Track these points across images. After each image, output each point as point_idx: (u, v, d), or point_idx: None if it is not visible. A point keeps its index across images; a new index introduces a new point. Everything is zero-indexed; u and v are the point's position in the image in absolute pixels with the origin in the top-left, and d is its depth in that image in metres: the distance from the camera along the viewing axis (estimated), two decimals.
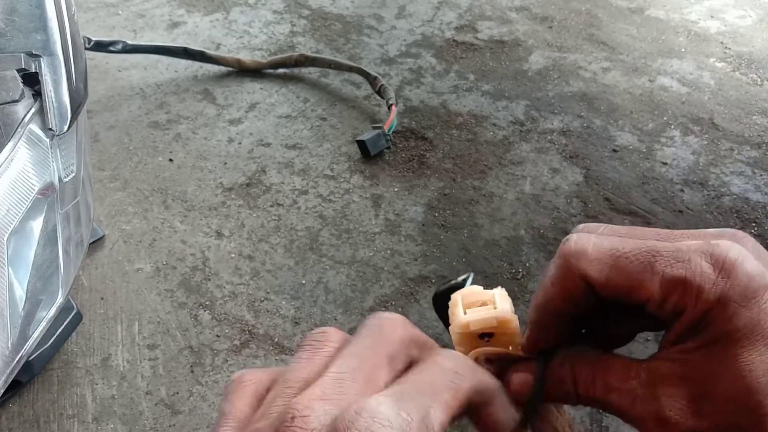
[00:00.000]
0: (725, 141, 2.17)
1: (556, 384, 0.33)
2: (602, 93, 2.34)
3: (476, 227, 1.79)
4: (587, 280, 0.30)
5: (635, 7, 2.87)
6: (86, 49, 2.05)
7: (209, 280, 1.60)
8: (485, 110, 2.22)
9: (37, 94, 0.99)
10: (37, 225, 0.96)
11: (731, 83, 2.43)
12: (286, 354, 1.46)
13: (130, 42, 2.20)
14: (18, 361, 0.94)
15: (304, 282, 1.61)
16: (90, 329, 1.47)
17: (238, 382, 0.27)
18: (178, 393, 1.37)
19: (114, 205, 1.76)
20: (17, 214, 0.92)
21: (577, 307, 0.31)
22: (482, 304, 0.35)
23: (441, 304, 0.38)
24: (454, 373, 0.27)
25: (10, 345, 0.92)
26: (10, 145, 0.92)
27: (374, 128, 1.98)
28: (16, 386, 1.31)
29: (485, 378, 0.29)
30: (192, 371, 1.41)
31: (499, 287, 0.36)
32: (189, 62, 2.25)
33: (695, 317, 0.28)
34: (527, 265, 1.70)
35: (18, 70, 0.97)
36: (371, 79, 2.16)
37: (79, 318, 1.39)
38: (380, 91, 2.12)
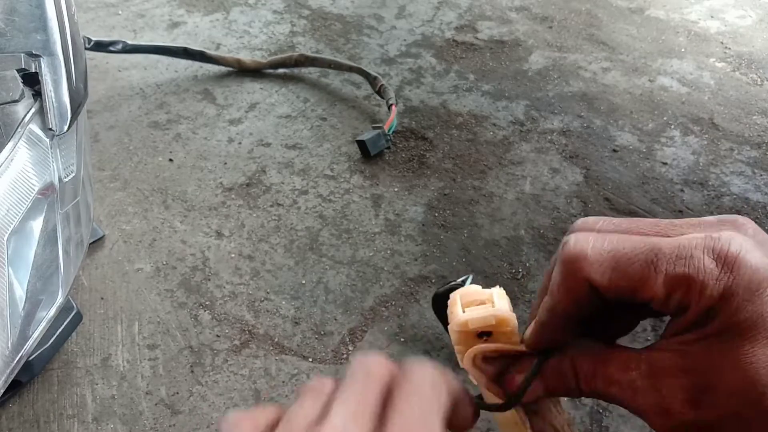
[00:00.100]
0: (725, 141, 2.17)
1: (558, 379, 0.33)
2: (602, 93, 2.34)
3: (476, 227, 1.79)
4: (591, 283, 0.30)
5: (635, 7, 2.87)
6: (86, 49, 2.05)
7: (209, 280, 1.60)
8: (485, 110, 2.22)
9: (37, 94, 0.99)
10: (37, 225, 0.96)
11: (731, 83, 2.43)
12: (285, 354, 1.46)
13: (130, 42, 2.20)
14: (18, 361, 0.94)
15: (304, 282, 1.61)
16: (90, 329, 1.47)
17: (234, 426, 0.27)
18: (178, 393, 1.37)
19: (114, 205, 1.76)
20: (17, 214, 0.92)
21: (583, 309, 0.31)
22: (480, 303, 0.36)
23: (440, 305, 0.38)
24: (432, 391, 0.28)
25: (10, 345, 0.92)
26: (10, 145, 0.92)
27: (374, 128, 1.98)
28: (16, 386, 1.31)
29: (452, 382, 0.30)
30: (192, 371, 1.41)
31: (497, 286, 0.36)
32: (189, 62, 2.25)
33: (700, 312, 0.28)
34: (527, 265, 1.70)
35: (18, 70, 0.97)
36: (371, 79, 2.16)
37: (79, 318, 1.39)
38: (380, 91, 2.12)
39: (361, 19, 2.64)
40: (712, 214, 1.90)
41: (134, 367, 1.41)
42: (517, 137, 2.11)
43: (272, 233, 1.73)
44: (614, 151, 2.09)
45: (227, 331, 1.49)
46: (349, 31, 2.57)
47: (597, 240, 0.30)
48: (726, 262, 0.27)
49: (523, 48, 2.55)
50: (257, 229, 1.73)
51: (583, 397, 0.33)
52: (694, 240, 0.28)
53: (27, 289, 0.94)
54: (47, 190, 0.97)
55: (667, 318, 0.30)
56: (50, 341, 1.29)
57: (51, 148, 0.98)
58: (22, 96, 0.95)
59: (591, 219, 0.33)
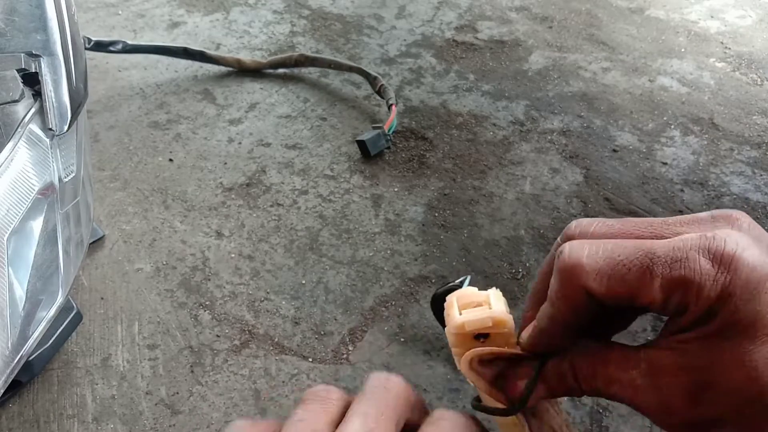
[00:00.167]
0: (725, 141, 2.17)
1: (558, 380, 0.33)
2: (602, 93, 2.34)
3: (476, 227, 1.79)
4: (589, 292, 0.30)
5: (635, 7, 2.87)
6: (86, 49, 2.05)
7: (209, 280, 1.60)
8: (485, 110, 2.22)
9: (37, 94, 0.99)
10: (37, 225, 0.96)
11: (731, 83, 2.43)
12: (285, 354, 1.46)
13: (130, 42, 2.20)
14: (18, 361, 0.94)
15: (304, 282, 1.61)
16: (90, 329, 1.47)
17: None
18: (178, 393, 1.37)
19: (114, 205, 1.76)
20: (17, 214, 0.92)
21: (581, 317, 0.31)
22: (477, 305, 0.36)
23: (439, 306, 0.38)
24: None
25: (10, 345, 0.92)
26: (10, 145, 0.92)
27: (374, 128, 1.98)
28: (16, 386, 1.31)
29: (472, 426, 0.30)
30: (192, 371, 1.41)
31: (494, 288, 0.36)
32: (189, 62, 2.25)
33: (699, 313, 0.28)
34: (527, 265, 1.70)
35: (18, 70, 0.97)
36: (371, 79, 2.16)
37: (79, 318, 1.39)
38: (380, 91, 2.12)
39: (361, 19, 2.64)
40: None
41: (134, 367, 1.41)
42: (517, 137, 2.11)
43: (272, 233, 1.73)
44: (614, 151, 2.09)
45: (227, 331, 1.49)
46: (349, 31, 2.57)
47: (592, 248, 0.30)
48: (722, 262, 0.27)
49: (523, 48, 2.55)
50: (257, 229, 1.73)
51: (583, 397, 0.33)
52: (688, 241, 0.28)
53: (27, 289, 0.94)
54: (47, 190, 0.97)
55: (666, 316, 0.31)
56: (50, 341, 1.29)
57: (51, 148, 0.98)
58: (22, 96, 0.95)
59: (585, 222, 0.32)
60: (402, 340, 1.50)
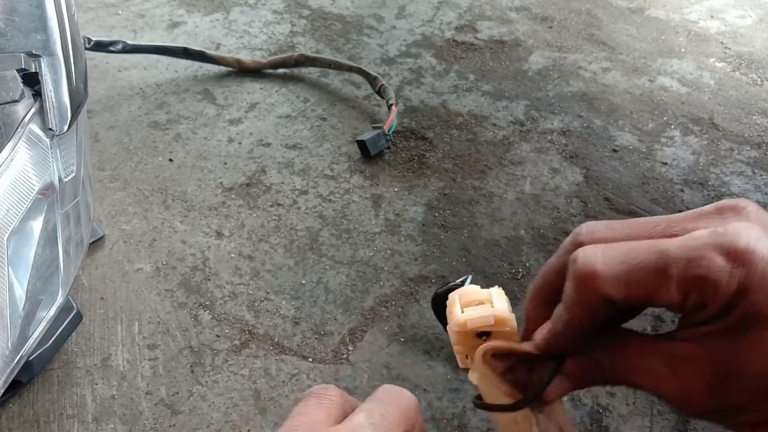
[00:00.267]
0: (725, 141, 2.17)
1: (582, 374, 0.34)
2: (602, 93, 2.34)
3: (476, 227, 1.79)
4: (606, 298, 0.30)
5: (635, 7, 2.87)
6: (86, 49, 2.05)
7: (209, 280, 1.60)
8: (485, 110, 2.22)
9: (37, 94, 0.99)
10: (37, 225, 0.96)
11: (731, 83, 2.43)
12: (285, 354, 1.46)
13: (130, 42, 2.20)
14: (18, 361, 0.94)
15: (304, 282, 1.61)
16: (90, 329, 1.47)
17: None
18: (178, 393, 1.37)
19: (114, 205, 1.76)
20: (17, 214, 0.92)
21: (598, 321, 0.32)
22: (479, 303, 0.36)
23: (440, 306, 0.38)
24: None
25: (10, 345, 0.92)
26: (10, 145, 0.92)
27: (374, 128, 1.98)
28: (16, 386, 1.31)
29: None
30: (192, 371, 1.41)
31: (496, 286, 0.36)
32: (189, 62, 2.25)
33: (717, 309, 0.28)
34: (527, 265, 1.70)
35: (18, 70, 0.97)
36: (371, 79, 2.16)
37: (79, 318, 1.39)
38: (380, 91, 2.12)
39: (361, 19, 2.64)
40: None
41: (134, 367, 1.41)
42: (517, 137, 2.11)
43: (272, 233, 1.73)
44: (614, 151, 2.09)
45: (227, 331, 1.49)
46: (349, 31, 2.57)
47: (606, 253, 0.30)
48: (737, 257, 0.27)
49: (523, 48, 2.55)
50: (257, 229, 1.73)
51: (583, 397, 0.33)
52: (700, 239, 0.28)
53: (27, 289, 0.94)
54: (47, 190, 0.97)
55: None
56: (50, 341, 1.29)
57: (51, 148, 0.98)
58: (22, 96, 0.95)
59: (593, 226, 0.32)
60: (402, 340, 1.50)
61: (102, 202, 1.76)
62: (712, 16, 2.83)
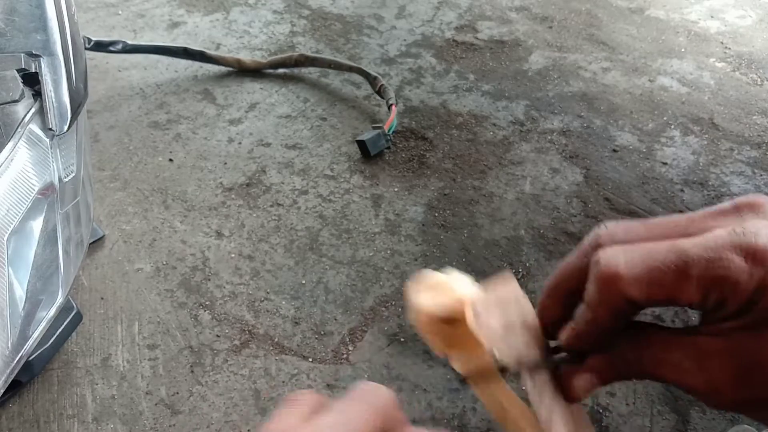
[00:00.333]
0: (725, 141, 2.17)
1: (608, 367, 0.34)
2: (602, 93, 2.34)
3: (476, 227, 1.79)
4: (629, 299, 0.30)
5: (635, 7, 2.87)
6: (86, 49, 2.05)
7: (209, 280, 1.60)
8: (485, 110, 2.22)
9: (37, 94, 0.99)
10: (37, 225, 0.96)
11: (731, 83, 2.43)
12: (285, 354, 1.46)
13: (130, 42, 2.20)
14: (18, 361, 0.94)
15: (304, 282, 1.61)
16: (90, 329, 1.47)
17: None
18: (178, 393, 1.37)
19: (114, 205, 1.76)
20: (17, 214, 0.92)
21: (620, 320, 0.32)
22: (441, 290, 0.36)
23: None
24: None
25: (10, 345, 0.92)
26: (10, 145, 0.92)
27: (374, 128, 1.98)
28: (16, 386, 1.31)
29: None
30: (192, 371, 1.41)
31: (455, 270, 0.36)
32: (189, 62, 2.25)
33: (737, 307, 0.29)
34: (527, 265, 1.70)
35: (18, 70, 0.97)
36: (371, 79, 2.16)
37: (79, 318, 1.39)
38: (380, 91, 2.12)
39: (361, 19, 2.64)
40: None
41: (134, 367, 1.41)
42: (517, 137, 2.11)
43: (272, 233, 1.73)
44: (614, 151, 2.09)
45: (227, 331, 1.49)
46: (349, 31, 2.57)
47: (628, 255, 0.30)
48: (756, 257, 0.28)
49: (523, 48, 2.55)
50: (257, 229, 1.73)
51: (586, 397, 0.34)
52: (720, 239, 0.29)
53: (27, 289, 0.94)
54: (47, 190, 0.97)
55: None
56: (50, 341, 1.29)
57: (51, 148, 0.98)
58: (22, 96, 0.95)
59: (613, 226, 0.33)
60: (402, 340, 1.50)
61: (102, 202, 1.76)
62: (712, 16, 2.83)
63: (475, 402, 1.39)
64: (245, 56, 2.32)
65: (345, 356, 1.47)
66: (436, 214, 1.82)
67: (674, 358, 0.31)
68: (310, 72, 2.30)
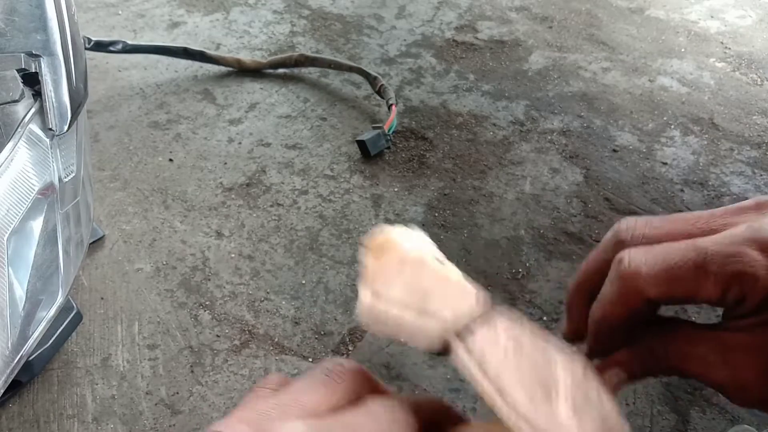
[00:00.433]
0: (725, 141, 2.17)
1: (636, 363, 0.34)
2: (602, 93, 2.34)
3: (476, 227, 1.79)
4: (648, 298, 0.31)
5: (635, 7, 2.87)
6: (86, 49, 2.05)
7: (209, 280, 1.60)
8: (485, 110, 2.22)
9: (37, 94, 0.99)
10: (37, 225, 0.96)
11: (731, 83, 2.43)
12: (285, 354, 1.46)
13: (130, 42, 2.20)
14: (18, 361, 0.94)
15: (304, 282, 1.61)
16: (90, 329, 1.47)
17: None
18: (178, 393, 1.37)
19: (114, 205, 1.76)
20: (17, 214, 0.92)
21: (639, 318, 0.32)
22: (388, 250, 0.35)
23: None
24: (386, 424, 0.29)
25: (10, 345, 0.92)
26: (10, 145, 0.92)
27: (374, 128, 1.98)
28: (16, 386, 1.31)
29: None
30: (192, 371, 1.41)
31: (402, 226, 0.35)
32: (189, 62, 2.25)
33: (757, 302, 0.29)
34: (527, 265, 1.70)
35: (18, 70, 0.97)
36: (371, 79, 2.16)
37: (79, 318, 1.39)
38: (380, 91, 2.12)
39: (361, 19, 2.64)
40: None
41: (134, 367, 1.41)
42: (517, 137, 2.11)
43: (272, 233, 1.73)
44: (614, 151, 2.09)
45: (227, 331, 1.49)
46: (349, 31, 2.57)
47: (648, 256, 0.31)
48: None
49: (523, 48, 2.55)
50: (257, 229, 1.73)
51: (617, 391, 0.34)
52: (738, 235, 0.29)
53: (27, 289, 0.94)
54: (47, 190, 0.97)
55: None
56: (50, 341, 1.29)
57: (51, 148, 0.98)
58: (22, 96, 0.95)
59: (633, 222, 0.33)
60: (402, 340, 1.50)
61: (102, 202, 1.76)
62: (712, 16, 2.83)
63: (475, 402, 1.39)
64: (245, 56, 2.32)
65: (345, 356, 1.47)
66: (436, 214, 1.82)
67: (699, 352, 0.31)
68: (310, 72, 2.30)
